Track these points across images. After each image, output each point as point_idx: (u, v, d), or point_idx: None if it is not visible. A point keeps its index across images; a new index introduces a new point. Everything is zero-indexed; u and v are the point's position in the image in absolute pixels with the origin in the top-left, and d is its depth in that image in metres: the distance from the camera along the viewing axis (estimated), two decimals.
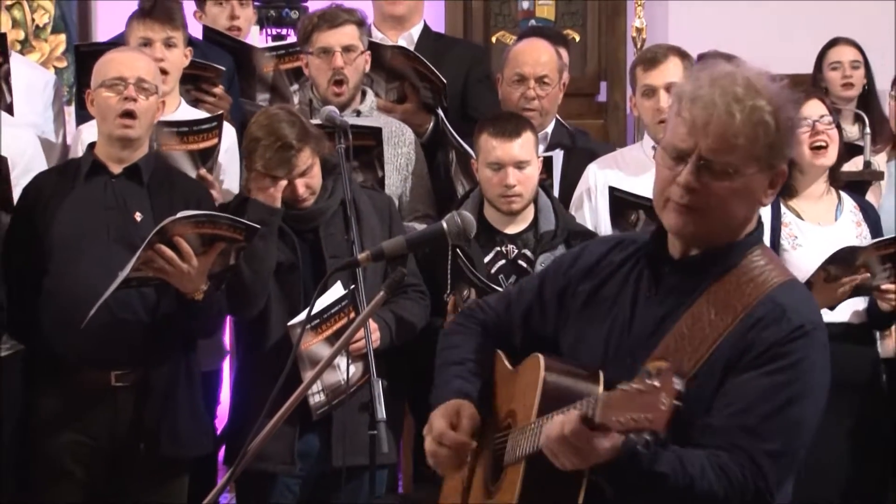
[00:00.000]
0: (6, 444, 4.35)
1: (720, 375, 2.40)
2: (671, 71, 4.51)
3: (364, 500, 4.10)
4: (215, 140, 4.53)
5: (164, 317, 4.08)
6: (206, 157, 4.51)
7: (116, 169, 4.17)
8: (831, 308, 4.42)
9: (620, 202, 4.26)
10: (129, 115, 4.10)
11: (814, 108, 4.60)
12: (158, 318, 4.08)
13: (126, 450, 4.10)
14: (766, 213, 4.48)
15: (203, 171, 4.48)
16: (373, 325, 4.09)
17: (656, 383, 2.13)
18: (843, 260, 4.37)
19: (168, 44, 4.57)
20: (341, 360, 4.02)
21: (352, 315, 4.06)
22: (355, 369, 4.05)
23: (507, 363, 2.74)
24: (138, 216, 4.12)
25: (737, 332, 2.42)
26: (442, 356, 2.80)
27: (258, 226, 4.04)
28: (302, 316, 4.01)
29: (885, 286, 4.42)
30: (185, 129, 4.47)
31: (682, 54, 4.61)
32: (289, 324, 4.09)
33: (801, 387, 2.40)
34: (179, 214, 3.92)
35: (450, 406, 2.65)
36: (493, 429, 2.68)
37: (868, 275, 4.40)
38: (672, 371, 2.14)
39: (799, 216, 4.63)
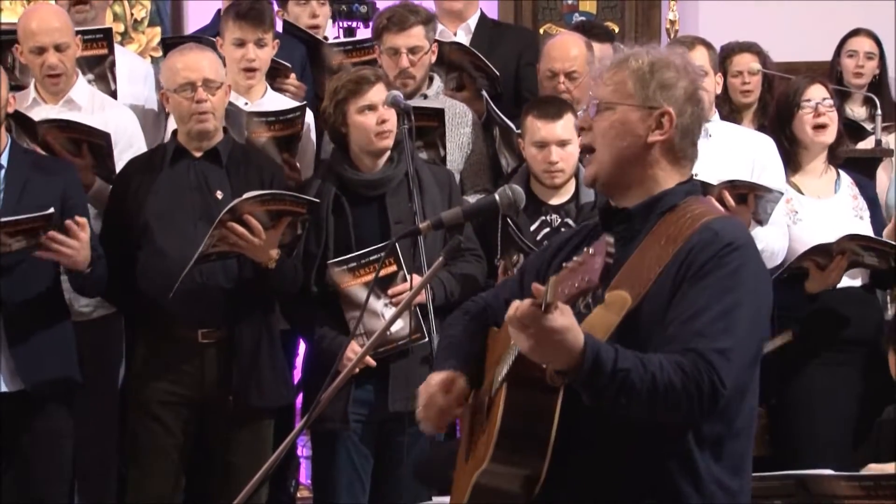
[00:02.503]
0: (112, 393, 4.39)
1: (668, 295, 2.41)
2: (696, 57, 4.48)
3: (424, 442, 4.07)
4: (299, 127, 4.55)
5: (244, 282, 4.11)
6: (290, 143, 4.53)
7: (198, 153, 4.19)
8: (833, 287, 4.51)
9: None
10: (204, 112, 4.12)
11: (816, 92, 4.64)
12: (239, 284, 4.11)
13: (214, 400, 4.15)
14: (782, 178, 4.51)
15: (287, 156, 4.49)
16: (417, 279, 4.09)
17: (591, 250, 2.18)
18: (822, 252, 4.42)
19: (259, 44, 4.55)
20: (386, 311, 4.07)
21: (393, 268, 4.08)
22: (403, 323, 4.03)
23: (499, 329, 2.74)
24: (219, 194, 4.16)
25: (679, 256, 2.43)
26: (440, 344, 2.82)
27: (317, 200, 4.05)
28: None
29: None
30: (272, 119, 4.49)
31: (707, 44, 4.62)
32: (329, 262, 4.13)
33: (741, 292, 2.41)
34: (246, 195, 3.97)
35: (446, 375, 2.64)
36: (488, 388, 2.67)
37: (850, 255, 4.45)
38: (605, 236, 2.19)
39: (800, 191, 4.64)
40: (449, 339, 2.76)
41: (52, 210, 3.94)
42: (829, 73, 5.64)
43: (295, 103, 4.61)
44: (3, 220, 3.93)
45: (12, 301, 4.01)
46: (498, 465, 2.39)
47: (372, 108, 4.15)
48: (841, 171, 4.72)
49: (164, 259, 4.08)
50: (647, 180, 2.54)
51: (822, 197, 4.64)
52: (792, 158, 4.64)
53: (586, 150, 2.58)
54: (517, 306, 2.25)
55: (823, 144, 4.63)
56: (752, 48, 5.45)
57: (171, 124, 4.46)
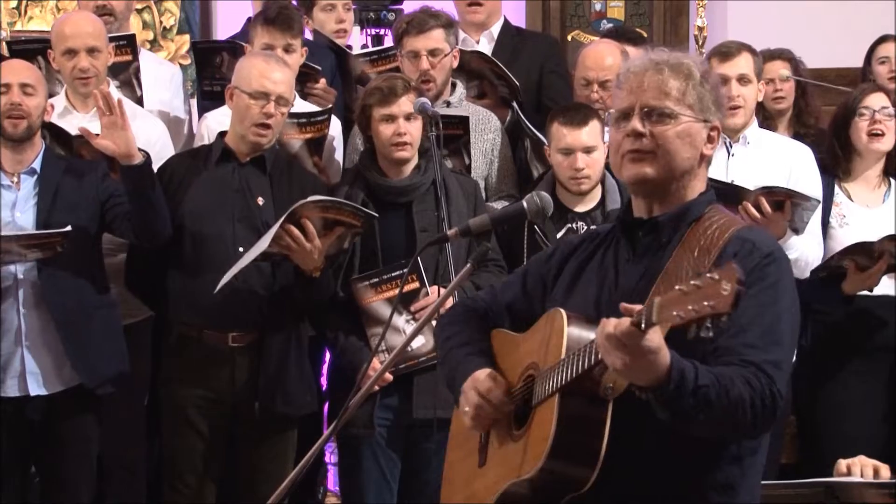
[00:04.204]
0: (141, 398, 4.41)
1: None
2: (742, 64, 4.52)
3: None
4: (327, 130, 4.56)
5: (280, 289, 4.12)
6: (319, 146, 4.55)
7: (244, 157, 4.20)
8: (870, 290, 4.47)
9: None
10: (266, 126, 4.12)
11: (876, 100, 4.64)
12: (274, 291, 4.12)
13: (243, 405, 4.16)
14: (818, 189, 4.49)
15: (317, 159, 4.51)
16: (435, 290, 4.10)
17: (715, 275, 2.13)
18: (862, 251, 4.40)
19: (287, 50, 4.56)
20: (407, 327, 4.07)
21: (416, 284, 4.09)
22: (424, 339, 4.05)
23: (509, 334, 2.73)
24: (260, 200, 4.17)
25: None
26: (447, 343, 2.78)
27: (376, 214, 4.06)
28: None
29: None
30: (304, 121, 4.50)
31: (752, 51, 4.60)
32: (352, 278, 4.14)
33: (783, 304, 2.45)
34: (309, 198, 3.96)
35: (489, 372, 2.65)
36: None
37: (889, 257, 4.41)
38: (733, 264, 2.15)
39: (850, 198, 4.62)
40: (467, 335, 2.73)
41: (69, 228, 3.98)
42: (861, 81, 5.61)
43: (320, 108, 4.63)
44: (20, 234, 3.98)
45: (57, 302, 4.06)
46: (545, 475, 2.40)
47: (391, 118, 4.15)
48: (892, 181, 4.70)
49: (200, 258, 4.10)
50: (683, 190, 2.56)
51: (870, 206, 4.63)
52: (846, 165, 4.64)
53: (640, 155, 2.51)
54: (615, 325, 2.23)
55: (878, 152, 4.62)
56: (782, 55, 5.42)
57: (212, 124, 4.50)
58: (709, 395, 2.30)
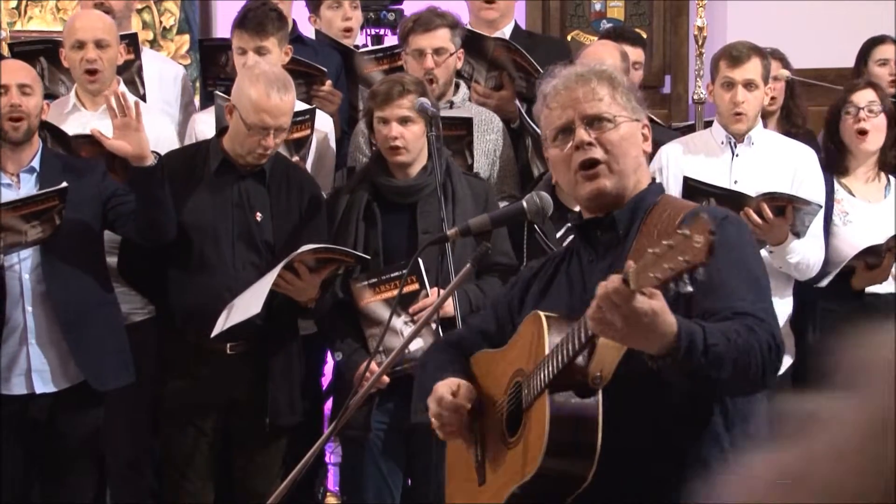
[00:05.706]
0: (147, 396, 4.42)
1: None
2: (750, 69, 4.48)
3: None
4: (308, 131, 4.54)
5: (277, 309, 4.11)
6: (300, 146, 4.54)
7: (243, 169, 4.17)
8: (880, 283, 4.52)
9: (693, 190, 4.22)
10: (265, 153, 4.10)
11: (862, 96, 4.63)
12: (272, 306, 4.09)
13: (242, 408, 4.18)
14: (821, 191, 4.49)
15: (297, 159, 4.50)
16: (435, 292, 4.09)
17: (686, 231, 2.13)
18: (871, 252, 4.43)
19: (259, 52, 4.49)
20: (405, 328, 4.07)
21: (415, 286, 4.08)
22: (422, 342, 4.04)
23: (491, 351, 2.73)
24: (259, 216, 4.15)
25: None
26: (423, 374, 2.83)
27: (368, 257, 4.07)
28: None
29: None
30: None
31: (762, 54, 4.58)
32: (351, 278, 4.14)
33: (750, 258, 2.51)
34: (304, 248, 3.96)
35: (450, 380, 2.67)
36: (494, 409, 2.66)
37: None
38: (702, 215, 2.15)
39: (851, 193, 4.63)
40: (435, 363, 2.77)
41: (65, 184, 3.96)
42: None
43: (304, 106, 4.60)
44: (14, 199, 3.95)
45: (61, 299, 4.07)
46: (544, 475, 2.40)
47: (385, 122, 4.15)
48: (891, 178, 4.70)
49: (199, 271, 4.11)
50: (634, 189, 2.61)
51: (871, 201, 4.64)
52: (841, 163, 4.65)
53: (594, 167, 2.55)
54: (605, 284, 2.21)
55: (866, 150, 4.63)
56: (775, 54, 5.43)
57: (200, 126, 4.49)
58: (720, 353, 2.30)
